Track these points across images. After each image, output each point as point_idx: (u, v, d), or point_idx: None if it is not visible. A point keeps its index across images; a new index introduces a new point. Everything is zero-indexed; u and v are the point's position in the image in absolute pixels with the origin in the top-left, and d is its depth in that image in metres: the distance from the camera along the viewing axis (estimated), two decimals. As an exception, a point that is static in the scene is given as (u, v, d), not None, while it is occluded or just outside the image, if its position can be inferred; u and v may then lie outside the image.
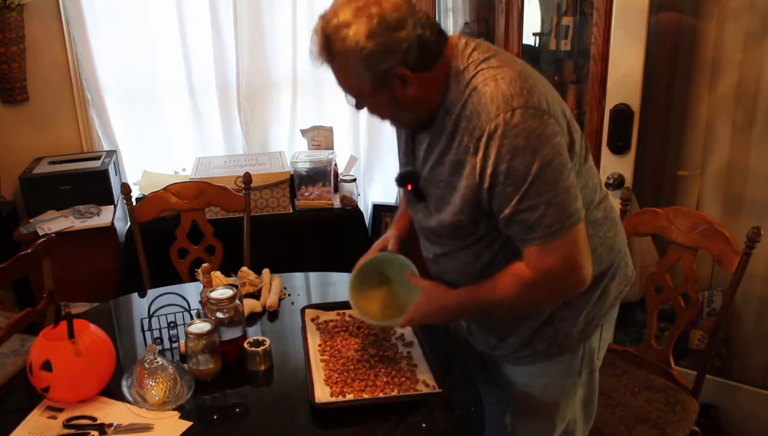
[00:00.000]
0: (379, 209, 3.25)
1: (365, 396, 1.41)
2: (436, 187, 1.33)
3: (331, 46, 1.20)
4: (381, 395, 1.41)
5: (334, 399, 1.40)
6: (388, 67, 1.19)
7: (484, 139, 1.18)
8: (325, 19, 1.21)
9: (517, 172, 1.17)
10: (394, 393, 1.41)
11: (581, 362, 1.47)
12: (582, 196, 1.26)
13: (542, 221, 1.18)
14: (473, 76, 1.22)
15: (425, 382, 1.45)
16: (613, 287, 1.45)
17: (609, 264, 1.43)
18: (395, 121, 1.37)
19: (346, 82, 1.26)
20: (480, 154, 1.19)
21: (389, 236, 1.61)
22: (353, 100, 1.31)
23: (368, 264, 1.57)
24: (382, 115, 1.33)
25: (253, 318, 1.79)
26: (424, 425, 1.35)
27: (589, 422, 1.59)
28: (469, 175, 1.23)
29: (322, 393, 1.41)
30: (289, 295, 1.92)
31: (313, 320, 1.71)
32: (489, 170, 1.19)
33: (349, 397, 1.40)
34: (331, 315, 1.74)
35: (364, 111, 1.34)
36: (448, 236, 1.37)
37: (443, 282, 1.46)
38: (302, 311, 1.74)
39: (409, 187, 1.39)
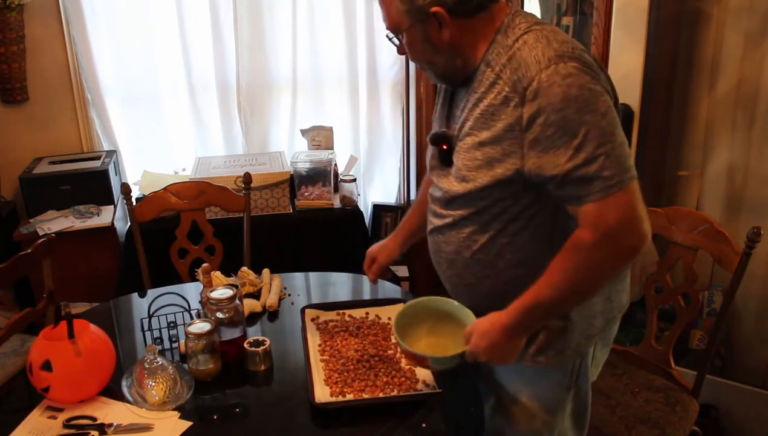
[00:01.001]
0: (379, 209, 3.25)
1: (365, 396, 1.41)
2: (467, 141, 1.28)
3: None
4: (381, 395, 1.41)
5: (333, 399, 1.40)
6: (423, 4, 1.22)
7: (532, 88, 1.14)
8: None
9: (570, 122, 1.12)
10: (394, 393, 1.42)
11: (570, 378, 1.41)
12: None
13: (601, 173, 1.11)
14: (524, 33, 1.21)
15: (425, 382, 1.45)
16: (606, 307, 1.40)
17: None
18: (431, 66, 1.33)
19: (388, 15, 1.29)
20: (528, 104, 1.15)
21: (384, 246, 1.66)
22: (396, 43, 1.33)
23: (408, 310, 1.45)
24: (417, 57, 1.33)
25: (253, 318, 1.79)
26: (424, 425, 1.35)
27: (582, 434, 1.54)
28: (514, 127, 1.18)
29: (322, 393, 1.41)
30: (289, 295, 1.92)
31: (313, 320, 1.72)
32: (540, 120, 1.14)
33: (349, 397, 1.40)
34: (331, 315, 1.74)
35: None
36: (464, 202, 1.31)
37: (441, 255, 1.40)
38: (302, 311, 1.74)
39: (444, 146, 1.35)
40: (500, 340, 1.25)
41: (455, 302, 1.40)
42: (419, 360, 1.36)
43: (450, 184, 1.32)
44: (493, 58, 1.23)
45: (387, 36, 1.33)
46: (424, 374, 1.48)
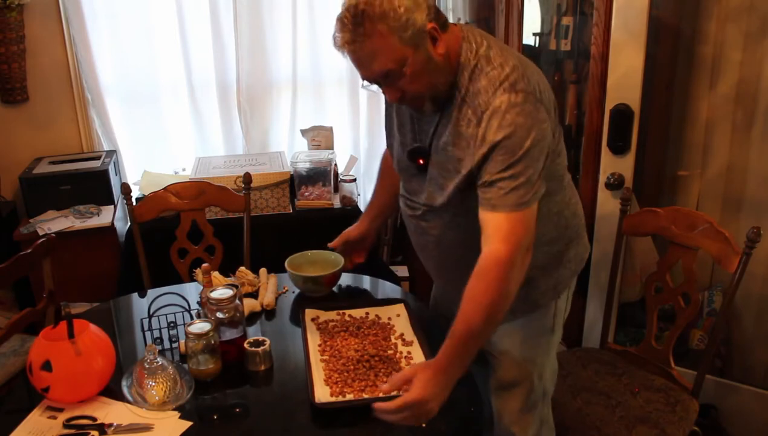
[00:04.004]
0: (379, 209, 3.25)
1: (365, 396, 1.41)
2: (440, 155, 1.43)
3: (367, 17, 1.24)
4: (381, 394, 1.41)
5: (333, 399, 1.40)
6: (422, 23, 1.28)
7: (488, 113, 1.31)
8: (352, 1, 1.27)
9: (513, 144, 1.30)
10: (395, 393, 1.41)
11: (553, 320, 1.61)
12: (560, 162, 1.49)
13: (518, 190, 1.30)
14: (481, 58, 1.36)
15: (425, 382, 1.45)
16: (578, 251, 1.62)
17: (575, 229, 1.59)
18: (432, 89, 1.37)
19: (386, 55, 1.28)
20: (483, 124, 1.32)
21: (354, 226, 1.86)
22: (382, 87, 1.37)
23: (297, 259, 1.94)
24: (421, 83, 1.34)
25: (252, 318, 1.79)
26: (423, 425, 1.35)
27: (554, 384, 1.73)
28: (470, 145, 1.35)
29: (322, 393, 1.41)
30: (293, 293, 1.93)
31: (313, 319, 1.72)
32: (489, 138, 1.31)
33: (349, 397, 1.40)
34: (332, 315, 1.74)
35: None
36: (443, 202, 1.46)
37: (427, 238, 1.55)
38: (302, 311, 1.75)
39: (421, 161, 1.48)
40: (443, 380, 1.26)
41: (331, 252, 1.92)
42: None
43: (428, 191, 1.48)
44: (460, 83, 1.37)
45: (365, 86, 1.38)
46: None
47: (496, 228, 1.31)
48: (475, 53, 1.36)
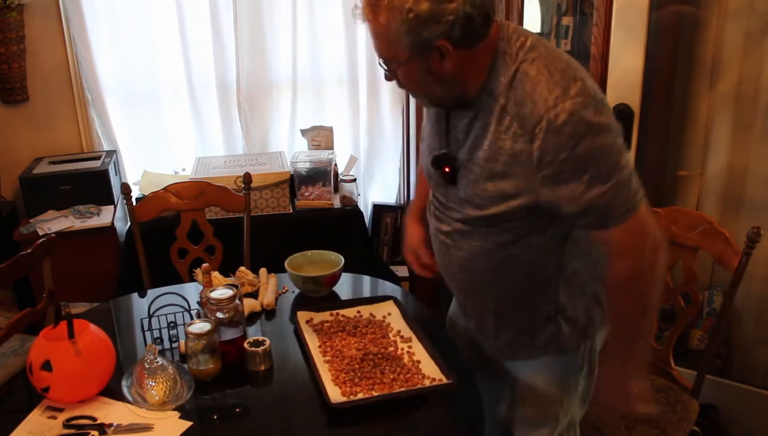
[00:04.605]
0: (379, 209, 3.25)
1: (374, 393, 1.40)
2: (474, 171, 1.28)
3: (378, 2, 1.17)
4: (389, 391, 1.41)
5: (346, 399, 1.39)
6: (429, 37, 1.16)
7: (541, 127, 1.15)
8: None
9: (581, 158, 1.15)
10: (404, 389, 1.41)
11: (583, 358, 1.47)
12: None
13: (615, 201, 1.17)
14: (523, 62, 1.20)
15: (431, 377, 1.45)
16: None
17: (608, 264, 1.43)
18: (427, 96, 1.31)
19: (384, 44, 1.22)
20: (538, 142, 1.16)
21: (413, 236, 1.67)
22: (386, 68, 1.28)
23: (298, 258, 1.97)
24: (414, 88, 1.30)
25: (252, 318, 1.79)
26: (434, 419, 1.35)
27: (583, 412, 1.63)
28: (525, 163, 1.19)
29: (333, 393, 1.40)
30: (293, 293, 1.93)
31: (307, 321, 1.71)
32: (551, 158, 1.16)
33: (360, 396, 1.40)
34: (325, 316, 1.73)
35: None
36: (477, 221, 1.33)
37: (451, 258, 1.42)
38: (294, 313, 1.74)
39: (447, 169, 1.34)
40: (620, 384, 1.35)
41: (330, 252, 1.98)
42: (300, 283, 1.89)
43: (462, 207, 1.34)
44: (495, 87, 1.22)
45: (379, 63, 1.27)
46: (429, 369, 1.48)
47: (611, 244, 1.23)
48: (515, 56, 1.21)
